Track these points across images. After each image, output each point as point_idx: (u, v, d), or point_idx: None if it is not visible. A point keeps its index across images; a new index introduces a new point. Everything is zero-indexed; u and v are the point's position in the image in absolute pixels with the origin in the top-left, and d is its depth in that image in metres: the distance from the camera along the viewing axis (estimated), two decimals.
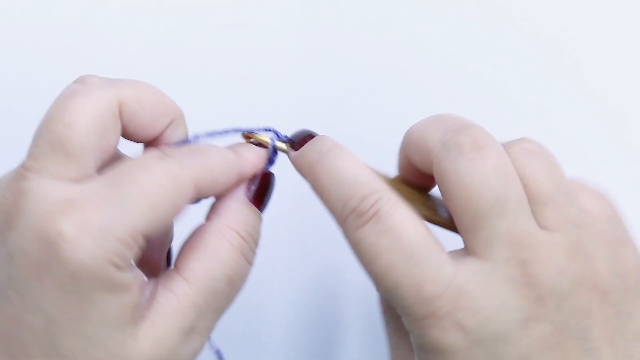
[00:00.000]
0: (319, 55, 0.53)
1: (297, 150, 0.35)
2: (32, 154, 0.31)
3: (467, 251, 0.31)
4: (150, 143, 0.35)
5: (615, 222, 0.34)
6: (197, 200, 0.34)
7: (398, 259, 0.30)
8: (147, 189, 0.30)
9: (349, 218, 0.32)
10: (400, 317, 0.33)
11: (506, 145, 0.33)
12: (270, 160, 0.36)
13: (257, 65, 0.53)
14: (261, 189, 0.35)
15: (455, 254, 0.32)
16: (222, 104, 0.53)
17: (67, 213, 0.29)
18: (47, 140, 0.31)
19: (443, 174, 0.31)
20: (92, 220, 0.29)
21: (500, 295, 0.30)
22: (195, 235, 0.34)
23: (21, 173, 0.30)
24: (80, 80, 0.33)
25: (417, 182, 0.36)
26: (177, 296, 0.32)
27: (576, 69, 0.54)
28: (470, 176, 0.31)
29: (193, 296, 0.32)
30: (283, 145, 0.36)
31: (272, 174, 0.36)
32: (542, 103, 0.54)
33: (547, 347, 0.30)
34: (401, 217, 0.31)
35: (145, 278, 0.33)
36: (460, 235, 0.32)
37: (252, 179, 0.35)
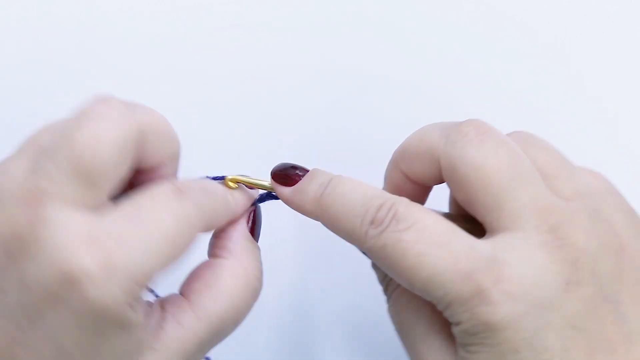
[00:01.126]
0: (318, 55, 0.54)
1: (286, 184, 0.36)
2: (49, 175, 0.29)
3: (493, 231, 0.31)
4: (144, 173, 0.34)
5: (620, 196, 0.34)
6: None
7: (427, 248, 0.30)
8: (168, 231, 0.30)
9: (369, 230, 0.32)
10: (422, 322, 0.34)
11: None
12: (261, 198, 0.38)
13: (257, 65, 0.53)
14: (255, 223, 0.37)
15: (483, 237, 0.32)
16: (221, 104, 0.53)
17: (91, 250, 0.28)
18: (71, 163, 0.29)
19: (455, 162, 0.32)
20: (116, 261, 0.28)
21: (538, 260, 0.30)
22: (210, 270, 0.35)
23: (37, 196, 0.28)
24: (101, 101, 0.31)
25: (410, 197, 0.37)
26: (186, 331, 0.32)
27: (572, 71, 0.54)
28: (483, 157, 0.31)
29: (201, 333, 0.32)
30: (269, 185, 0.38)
31: (259, 207, 0.38)
32: (538, 105, 0.54)
33: (589, 310, 0.30)
34: (418, 212, 0.31)
35: (148, 300, 0.33)
36: (483, 219, 0.32)
37: (249, 216, 0.37)
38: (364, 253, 0.36)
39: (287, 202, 0.36)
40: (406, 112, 0.53)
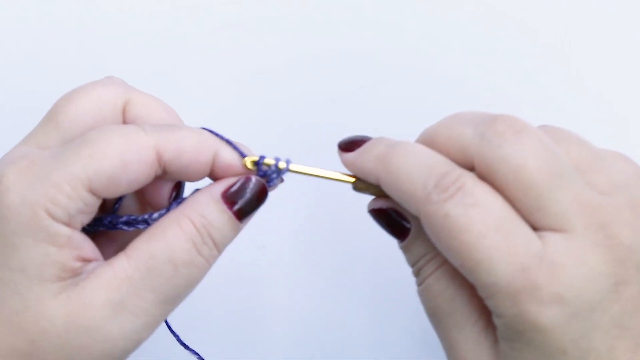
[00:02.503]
0: (317, 54, 0.54)
1: (350, 150, 0.35)
2: (34, 127, 0.34)
3: (541, 229, 0.31)
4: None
5: None
6: (170, 174, 0.33)
7: (488, 231, 0.30)
8: (91, 141, 0.31)
9: (432, 194, 0.31)
10: (458, 310, 0.33)
11: None
12: (265, 174, 0.35)
13: (256, 64, 0.53)
14: (239, 192, 0.34)
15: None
16: (221, 104, 0.53)
17: (16, 163, 0.31)
18: (47, 113, 0.34)
19: (492, 163, 0.31)
20: (33, 168, 0.31)
21: (591, 262, 0.30)
22: (156, 222, 0.34)
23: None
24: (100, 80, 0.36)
25: None
26: (114, 269, 0.31)
27: (577, 71, 0.54)
28: (522, 158, 0.31)
29: (129, 270, 0.31)
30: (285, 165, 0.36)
31: (259, 181, 0.34)
32: (539, 104, 0.54)
33: (634, 309, 0.30)
34: (486, 191, 0.31)
35: (100, 259, 0.33)
36: (525, 217, 0.31)
37: (236, 182, 0.34)
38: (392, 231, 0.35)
39: (350, 164, 0.35)
40: (406, 110, 0.53)
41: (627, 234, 0.30)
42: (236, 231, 0.34)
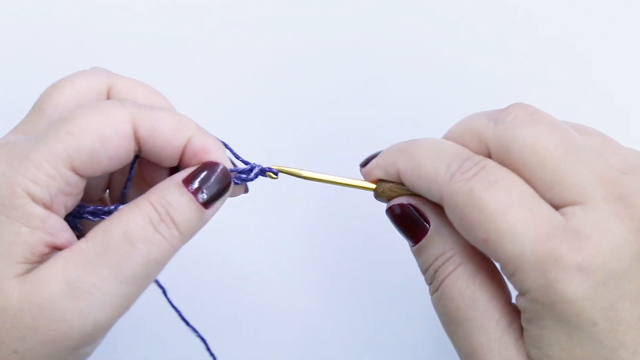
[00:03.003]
0: (318, 53, 0.53)
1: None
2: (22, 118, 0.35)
3: (556, 207, 0.31)
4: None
5: None
6: (144, 152, 0.34)
7: (513, 204, 0.30)
8: (70, 119, 0.32)
9: (456, 174, 0.32)
10: (480, 310, 0.33)
11: None
12: (241, 173, 0.35)
13: (256, 64, 0.53)
14: (201, 176, 0.34)
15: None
16: (222, 104, 0.53)
17: (1, 149, 0.31)
18: (34, 104, 0.35)
19: (507, 143, 0.32)
20: (14, 151, 0.31)
21: (613, 231, 0.30)
22: None
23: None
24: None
25: None
26: (71, 251, 0.31)
27: (581, 67, 0.54)
28: (536, 134, 0.31)
29: (85, 248, 0.31)
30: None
31: (223, 167, 0.34)
32: (547, 101, 0.53)
33: None
34: (507, 172, 0.32)
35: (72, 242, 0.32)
36: (544, 195, 0.31)
37: (200, 169, 0.34)
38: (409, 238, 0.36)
39: (371, 168, 0.36)
40: (410, 108, 0.53)
41: None
42: (199, 214, 0.33)
